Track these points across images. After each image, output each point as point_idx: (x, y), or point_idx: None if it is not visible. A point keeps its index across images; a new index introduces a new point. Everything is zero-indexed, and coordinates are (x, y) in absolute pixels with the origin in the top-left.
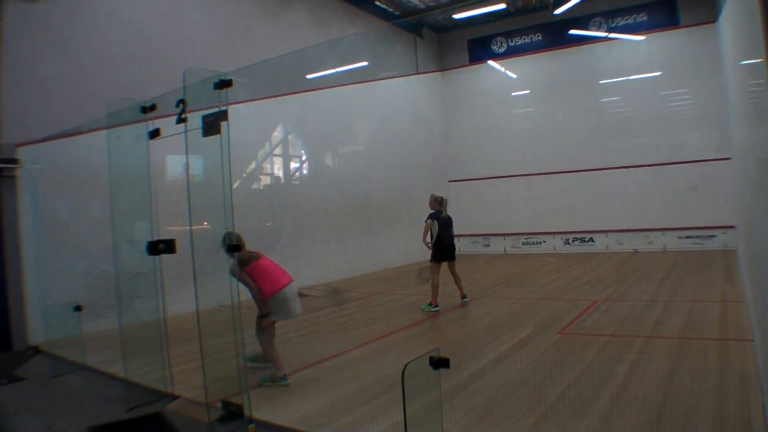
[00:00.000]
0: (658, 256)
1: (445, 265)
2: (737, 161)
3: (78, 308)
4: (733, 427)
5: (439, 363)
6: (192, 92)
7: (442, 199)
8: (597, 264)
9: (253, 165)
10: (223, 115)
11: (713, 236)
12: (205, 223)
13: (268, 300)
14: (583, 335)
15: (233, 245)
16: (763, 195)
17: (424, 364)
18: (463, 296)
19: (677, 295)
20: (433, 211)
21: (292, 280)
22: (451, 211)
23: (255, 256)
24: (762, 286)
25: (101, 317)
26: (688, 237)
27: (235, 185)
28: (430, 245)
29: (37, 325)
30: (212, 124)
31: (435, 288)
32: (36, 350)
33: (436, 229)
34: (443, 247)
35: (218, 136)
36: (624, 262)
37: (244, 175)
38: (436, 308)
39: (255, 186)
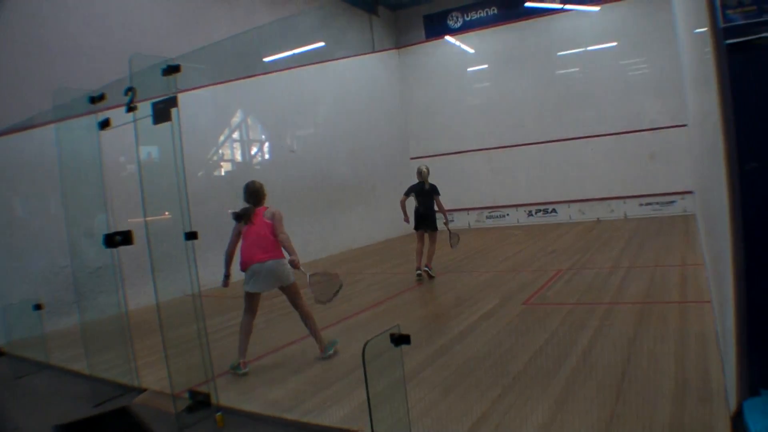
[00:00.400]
0: (620, 223)
1: None
2: (693, 128)
3: (38, 307)
4: (694, 386)
5: (400, 339)
6: (141, 79)
7: (420, 170)
8: (560, 234)
9: (212, 151)
10: (172, 102)
11: (673, 202)
12: (166, 213)
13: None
14: (547, 305)
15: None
16: (715, 160)
17: (386, 341)
18: (426, 266)
19: (639, 261)
20: (412, 184)
21: (269, 258)
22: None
23: (247, 218)
24: (714, 247)
25: (63, 315)
26: (648, 204)
27: (199, 174)
28: (407, 218)
29: None
30: (162, 111)
31: (417, 254)
32: None
33: (414, 200)
34: (418, 216)
35: (169, 123)
36: (586, 231)
37: (205, 161)
38: (419, 272)
39: (216, 173)
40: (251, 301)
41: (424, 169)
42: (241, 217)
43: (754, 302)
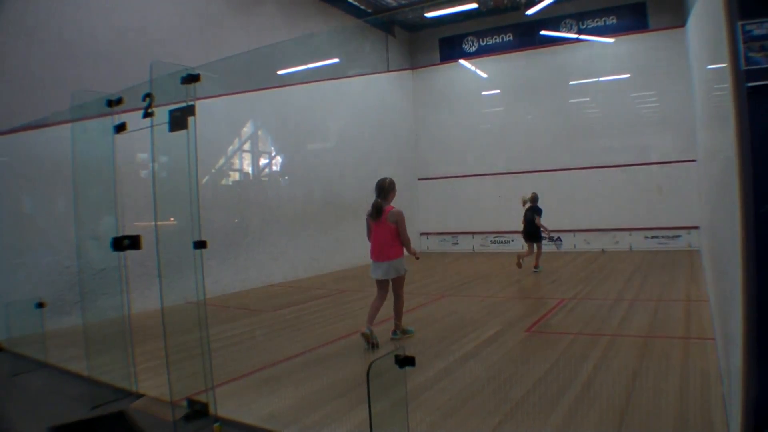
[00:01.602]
0: (625, 255)
1: None
2: (702, 163)
3: (40, 305)
4: (695, 424)
5: (405, 361)
6: (159, 86)
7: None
8: (564, 263)
9: (221, 160)
10: (190, 110)
11: (678, 236)
12: (171, 219)
13: None
14: (549, 333)
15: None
16: (725, 197)
17: (390, 362)
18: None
19: (642, 294)
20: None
21: (385, 260)
22: (419, 208)
23: (375, 214)
24: (723, 286)
25: (64, 314)
26: (653, 237)
27: (203, 181)
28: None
29: None
30: (179, 119)
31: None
32: None
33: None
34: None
35: (185, 131)
36: (591, 261)
37: (213, 170)
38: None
39: (224, 182)
40: (378, 285)
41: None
42: (371, 213)
43: (763, 344)
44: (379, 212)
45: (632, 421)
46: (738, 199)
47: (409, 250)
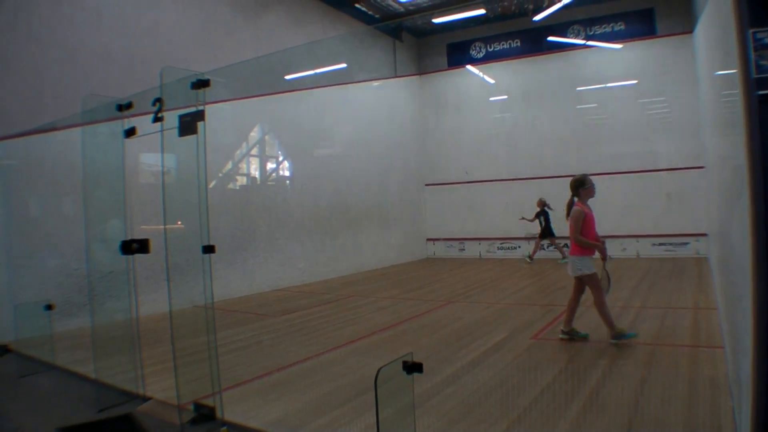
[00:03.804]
0: (632, 262)
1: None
2: (711, 170)
3: (49, 307)
4: None
5: (413, 368)
6: (169, 91)
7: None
8: None
9: (229, 165)
10: (199, 115)
11: (686, 243)
12: (179, 223)
13: None
14: (556, 340)
15: None
16: (734, 204)
17: (398, 368)
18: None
19: (650, 302)
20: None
21: (571, 254)
22: (427, 214)
23: (567, 210)
24: (732, 294)
25: (72, 316)
26: (661, 244)
27: (210, 185)
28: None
29: (7, 324)
30: (189, 124)
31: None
32: (5, 349)
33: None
34: None
35: (194, 135)
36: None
37: (220, 174)
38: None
39: (230, 186)
40: (575, 283)
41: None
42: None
43: None
44: (568, 209)
45: (640, 430)
46: (749, 206)
47: (583, 250)
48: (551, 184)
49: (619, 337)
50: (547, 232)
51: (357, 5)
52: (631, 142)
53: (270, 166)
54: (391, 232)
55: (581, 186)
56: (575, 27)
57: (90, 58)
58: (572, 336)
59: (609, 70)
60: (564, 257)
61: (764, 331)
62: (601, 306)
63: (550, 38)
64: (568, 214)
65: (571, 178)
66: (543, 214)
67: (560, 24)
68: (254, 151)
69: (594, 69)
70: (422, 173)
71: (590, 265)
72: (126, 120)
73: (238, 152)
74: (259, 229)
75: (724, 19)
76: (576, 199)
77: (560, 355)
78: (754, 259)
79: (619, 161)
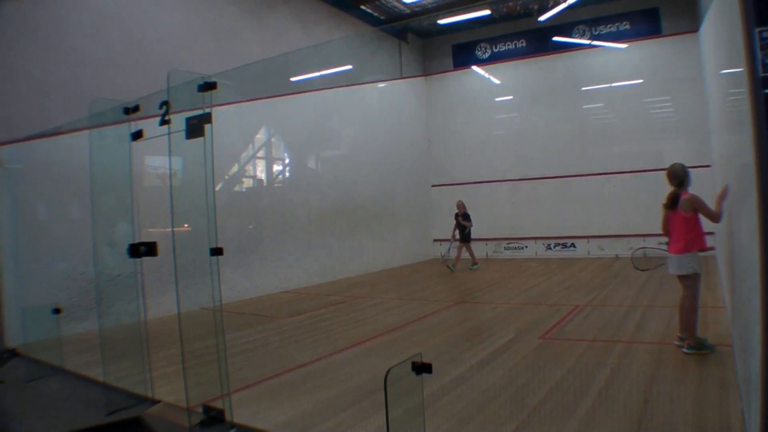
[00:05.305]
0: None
1: None
2: (717, 169)
3: (57, 311)
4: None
5: (422, 368)
6: (176, 94)
7: None
8: (578, 269)
9: (235, 167)
10: (206, 118)
11: None
12: (185, 226)
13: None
14: (564, 340)
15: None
16: (742, 202)
17: (407, 369)
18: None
19: (657, 301)
20: None
21: (674, 252)
22: (434, 215)
23: (671, 204)
24: (740, 292)
25: (80, 320)
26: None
27: (217, 187)
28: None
29: (15, 328)
30: (196, 127)
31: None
32: (13, 353)
33: None
34: None
35: (201, 138)
36: (605, 267)
37: (227, 176)
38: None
39: (237, 188)
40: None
41: None
42: (667, 203)
43: None
44: (672, 201)
45: (649, 429)
46: (756, 204)
47: (693, 246)
48: (557, 183)
49: (699, 347)
50: (467, 237)
51: (363, 7)
52: (637, 141)
53: (276, 167)
54: (397, 233)
55: (687, 175)
56: (580, 27)
57: (96, 62)
58: (701, 347)
59: (614, 69)
60: (475, 263)
61: None
62: (692, 310)
63: (556, 38)
64: (670, 206)
65: (668, 169)
66: (464, 217)
67: (565, 24)
68: (261, 153)
69: (599, 69)
70: (429, 174)
71: (701, 262)
72: (133, 123)
73: (244, 154)
74: (265, 230)
75: (730, 18)
76: (683, 189)
77: (568, 355)
78: (762, 257)
79: (624, 160)
